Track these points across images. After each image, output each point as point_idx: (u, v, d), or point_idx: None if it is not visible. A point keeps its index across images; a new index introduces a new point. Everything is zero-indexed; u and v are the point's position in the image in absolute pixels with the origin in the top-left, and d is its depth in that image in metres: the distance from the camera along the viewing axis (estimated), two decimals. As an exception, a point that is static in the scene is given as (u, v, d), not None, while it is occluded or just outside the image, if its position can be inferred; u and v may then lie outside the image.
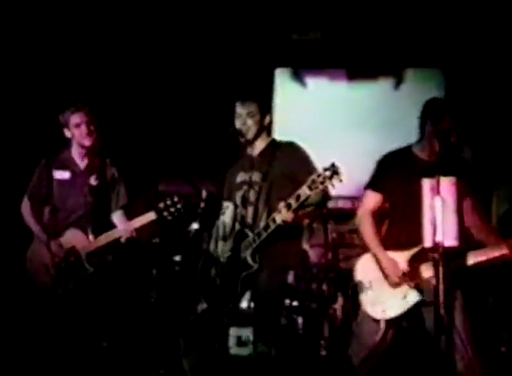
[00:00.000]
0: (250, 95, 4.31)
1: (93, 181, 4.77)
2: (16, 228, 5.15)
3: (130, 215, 4.82)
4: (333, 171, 3.75)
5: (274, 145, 4.31)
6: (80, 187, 4.78)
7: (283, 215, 3.89)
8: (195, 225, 4.49)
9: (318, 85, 7.07)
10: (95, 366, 4.60)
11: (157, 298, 5.32)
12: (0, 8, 5.94)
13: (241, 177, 4.29)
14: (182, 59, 6.82)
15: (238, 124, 4.23)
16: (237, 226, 4.17)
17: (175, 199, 4.48)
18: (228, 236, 4.22)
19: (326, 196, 4.10)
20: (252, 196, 4.20)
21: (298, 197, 3.83)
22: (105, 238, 4.62)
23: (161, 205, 4.49)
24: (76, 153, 4.82)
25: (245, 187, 4.23)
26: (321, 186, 3.76)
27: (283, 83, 7.11)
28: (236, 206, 4.24)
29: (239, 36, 6.67)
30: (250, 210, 4.18)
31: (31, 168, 4.93)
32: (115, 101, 6.66)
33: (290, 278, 5.45)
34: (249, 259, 4.02)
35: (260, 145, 4.30)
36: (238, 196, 4.25)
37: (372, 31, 6.60)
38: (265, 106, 4.34)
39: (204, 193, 4.43)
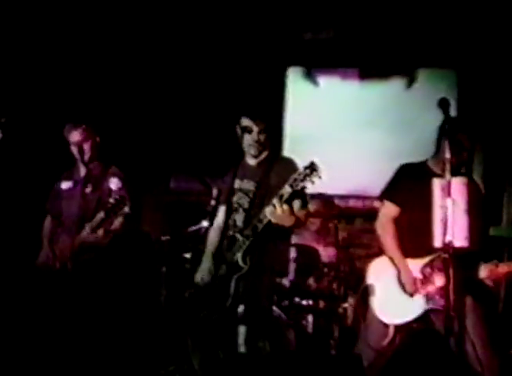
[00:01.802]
0: (258, 113, 4.34)
1: (87, 190, 4.91)
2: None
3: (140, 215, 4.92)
4: (312, 168, 3.79)
5: (272, 158, 4.35)
6: (77, 195, 4.92)
7: (273, 210, 3.92)
8: (205, 223, 4.49)
9: (330, 84, 7.06)
10: (105, 364, 4.61)
11: (167, 296, 5.33)
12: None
13: (237, 184, 4.32)
14: (195, 58, 6.83)
15: (250, 139, 4.26)
16: (229, 231, 4.21)
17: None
18: (219, 239, 4.27)
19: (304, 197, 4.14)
20: (246, 203, 4.25)
21: (281, 196, 3.89)
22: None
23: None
24: (79, 163, 5.00)
25: (239, 194, 4.28)
26: (301, 184, 3.82)
27: (295, 82, 7.10)
28: (229, 211, 4.27)
29: (252, 35, 6.67)
30: (242, 215, 4.23)
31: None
32: (128, 98, 6.69)
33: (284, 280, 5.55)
34: (240, 261, 4.06)
35: (259, 156, 4.34)
36: (233, 202, 4.29)
37: (384, 31, 6.58)
38: (270, 125, 4.37)
39: (215, 191, 4.44)
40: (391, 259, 4.15)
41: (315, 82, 7.09)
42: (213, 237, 4.40)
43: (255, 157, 4.33)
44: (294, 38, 6.82)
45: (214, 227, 4.43)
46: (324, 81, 7.08)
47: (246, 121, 4.27)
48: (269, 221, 3.95)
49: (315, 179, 3.82)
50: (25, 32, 6.15)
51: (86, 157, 4.91)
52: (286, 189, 3.86)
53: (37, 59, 6.27)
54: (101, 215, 4.60)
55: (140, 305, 5.47)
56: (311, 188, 3.88)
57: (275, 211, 3.90)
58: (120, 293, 4.86)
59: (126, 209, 4.62)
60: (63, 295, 4.68)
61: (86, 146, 4.90)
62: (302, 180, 3.82)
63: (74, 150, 4.92)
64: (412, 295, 4.03)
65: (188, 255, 5.05)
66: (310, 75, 7.10)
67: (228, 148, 4.48)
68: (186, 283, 4.43)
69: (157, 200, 6.51)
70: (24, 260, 5.18)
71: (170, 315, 5.27)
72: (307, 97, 7.09)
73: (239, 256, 4.06)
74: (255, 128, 4.24)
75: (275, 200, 3.89)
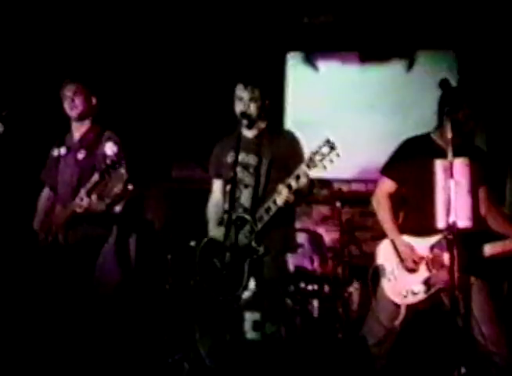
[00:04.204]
0: (253, 80, 4.27)
1: (80, 156, 4.67)
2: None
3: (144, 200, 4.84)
4: (330, 146, 3.71)
5: (271, 130, 4.27)
6: (70, 162, 4.70)
7: (283, 196, 3.83)
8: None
9: (330, 69, 7.04)
10: (111, 352, 4.63)
11: (173, 283, 5.35)
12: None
13: (232, 157, 4.17)
14: (194, 44, 6.80)
15: (240, 107, 4.19)
16: (237, 210, 4.13)
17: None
18: (222, 218, 4.16)
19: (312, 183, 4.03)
20: (248, 178, 4.16)
21: (298, 176, 3.79)
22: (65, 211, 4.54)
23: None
24: (73, 126, 4.78)
25: (239, 168, 4.15)
26: (319, 164, 3.72)
27: (294, 67, 7.08)
28: (226, 185, 4.19)
29: (251, 20, 6.64)
30: (247, 192, 4.14)
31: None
32: (128, 85, 6.66)
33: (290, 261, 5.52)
34: (254, 244, 3.99)
35: (256, 128, 4.25)
36: (230, 176, 4.15)
37: (384, 13, 6.55)
38: (266, 91, 4.26)
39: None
40: (389, 236, 4.16)
41: (314, 67, 7.07)
42: (212, 214, 4.35)
43: (249, 127, 4.21)
44: (293, 23, 6.79)
45: (211, 203, 4.37)
46: (324, 65, 7.06)
47: (238, 89, 4.20)
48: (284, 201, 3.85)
49: (334, 158, 3.73)
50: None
51: (77, 111, 4.67)
52: (303, 169, 3.75)
53: (39, 46, 6.25)
54: (95, 177, 4.32)
55: (146, 292, 5.48)
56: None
57: (291, 192, 3.81)
58: (126, 281, 4.87)
59: (122, 170, 4.32)
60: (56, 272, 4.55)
61: (78, 101, 4.66)
62: (320, 160, 3.71)
63: (66, 105, 4.68)
64: (411, 271, 4.03)
65: (193, 243, 5.06)
66: (309, 60, 7.08)
67: (230, 135, 4.46)
68: (192, 271, 4.43)
69: (160, 188, 6.51)
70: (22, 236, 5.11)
71: (176, 302, 5.29)
72: (307, 82, 7.07)
73: (252, 239, 3.99)
74: (246, 96, 4.15)
75: (292, 181, 3.80)
